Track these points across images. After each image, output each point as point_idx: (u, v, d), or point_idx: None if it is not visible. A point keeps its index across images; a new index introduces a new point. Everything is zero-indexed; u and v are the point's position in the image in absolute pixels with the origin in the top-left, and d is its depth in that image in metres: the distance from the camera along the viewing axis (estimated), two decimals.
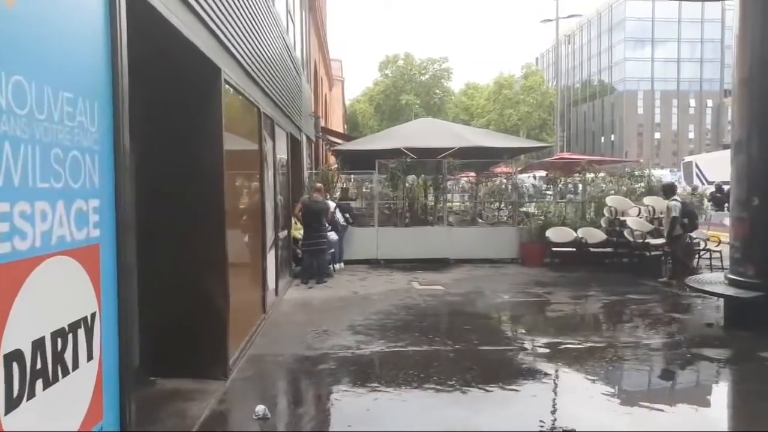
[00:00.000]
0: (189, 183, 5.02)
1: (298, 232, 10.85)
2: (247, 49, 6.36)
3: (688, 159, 28.61)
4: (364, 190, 13.77)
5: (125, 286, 2.85)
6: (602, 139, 78.72)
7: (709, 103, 74.47)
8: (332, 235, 11.35)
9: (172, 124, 5.04)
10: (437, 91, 73.32)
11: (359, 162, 14.13)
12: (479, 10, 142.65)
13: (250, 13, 6.40)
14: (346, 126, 57.88)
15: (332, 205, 11.46)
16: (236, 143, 6.21)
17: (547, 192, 13.61)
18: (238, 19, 5.84)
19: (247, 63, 6.42)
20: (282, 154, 9.87)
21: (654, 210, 11.82)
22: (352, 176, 15.10)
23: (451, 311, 8.39)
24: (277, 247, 8.71)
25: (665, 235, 9.99)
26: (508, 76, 70.14)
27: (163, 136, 5.01)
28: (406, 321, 7.58)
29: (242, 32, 6.04)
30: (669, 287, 9.71)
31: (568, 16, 33.97)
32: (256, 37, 6.81)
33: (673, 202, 9.74)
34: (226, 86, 5.37)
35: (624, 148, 70.81)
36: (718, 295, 7.34)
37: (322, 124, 20.36)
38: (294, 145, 11.99)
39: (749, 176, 7.03)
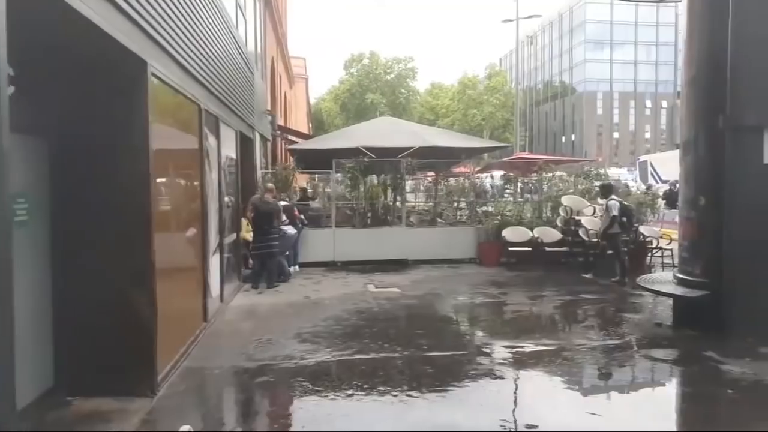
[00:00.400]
0: (112, 187, 4.67)
1: (248, 234, 10.51)
2: (183, 42, 6.01)
3: (644, 158, 29.18)
4: (323, 190, 13.43)
5: None
6: (563, 138, 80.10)
7: (664, 104, 76.61)
8: (290, 230, 11.07)
9: (92, 124, 4.68)
10: (402, 90, 73.28)
11: (318, 161, 13.80)
12: (444, 10, 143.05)
13: (185, 4, 6.05)
14: (311, 125, 57.31)
15: (287, 205, 11.15)
16: (171, 142, 5.88)
17: (506, 191, 13.56)
18: (170, 10, 5.48)
19: (184, 57, 6.07)
20: (230, 153, 9.52)
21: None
22: (316, 176, 14.77)
23: (405, 315, 8.21)
24: (222, 250, 8.36)
25: (600, 232, 10.17)
26: (472, 77, 70.65)
27: (82, 137, 4.66)
28: (357, 327, 7.35)
29: (176, 24, 5.69)
30: (623, 286, 9.77)
31: (528, 17, 34.29)
32: (194, 31, 6.45)
33: (612, 201, 9.90)
34: (155, 81, 5.03)
35: (584, 148, 72.20)
36: (667, 295, 7.34)
37: (281, 122, 19.97)
38: (245, 144, 11.62)
39: (696, 176, 7.04)
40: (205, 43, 7.02)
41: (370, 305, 8.53)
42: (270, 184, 10.11)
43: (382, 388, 5.08)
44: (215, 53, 7.74)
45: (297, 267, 11.73)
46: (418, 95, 76.44)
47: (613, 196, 10.30)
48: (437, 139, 13.60)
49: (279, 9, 18.73)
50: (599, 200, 12.28)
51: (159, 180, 5.21)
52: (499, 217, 12.47)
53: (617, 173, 33.91)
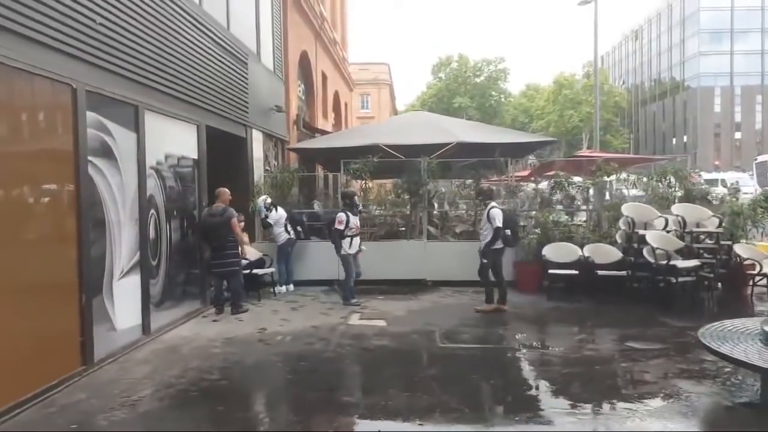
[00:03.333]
0: None
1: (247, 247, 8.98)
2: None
3: (763, 158, 24.52)
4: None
5: None
6: (674, 140, 72.48)
7: None
8: (285, 236, 9.65)
9: None
10: (493, 93, 70.27)
11: (332, 162, 11.99)
12: (538, 9, 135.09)
13: None
14: None
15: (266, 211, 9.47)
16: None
17: (554, 199, 10.92)
18: None
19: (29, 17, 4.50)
20: (180, 152, 7.91)
21: (684, 222, 8.99)
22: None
23: (355, 367, 6.14)
24: (147, 271, 6.71)
25: (483, 247, 8.13)
26: (569, 76, 65.92)
27: None
28: (263, 381, 5.43)
29: None
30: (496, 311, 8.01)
31: None
32: None
33: (494, 210, 8.00)
34: None
35: (698, 150, 64.77)
36: (749, 367, 4.62)
37: (323, 123, 18.43)
38: (229, 144, 10.07)
39: None
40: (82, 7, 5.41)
41: (328, 347, 6.52)
42: (223, 189, 8.35)
43: None
44: (123, 25, 6.15)
45: (291, 286, 9.98)
46: (510, 97, 72.94)
47: (494, 203, 8.26)
48: (470, 133, 11.28)
49: (317, 9, 17.21)
50: (673, 209, 9.40)
51: None
52: (538, 231, 9.91)
53: (735, 177, 29.24)
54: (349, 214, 8.67)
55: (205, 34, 8.52)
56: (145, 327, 6.69)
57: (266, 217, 9.55)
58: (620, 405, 4.70)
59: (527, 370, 5.82)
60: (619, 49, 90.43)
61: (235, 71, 9.85)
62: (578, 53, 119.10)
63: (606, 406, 4.75)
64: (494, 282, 8.26)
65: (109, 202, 6.00)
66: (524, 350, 6.42)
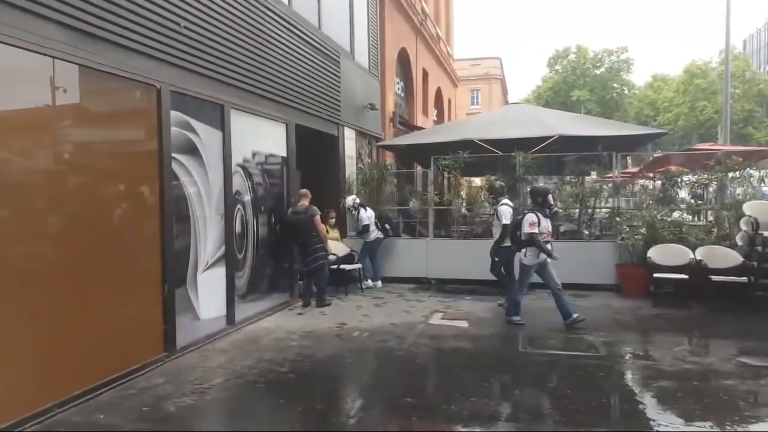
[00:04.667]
0: None
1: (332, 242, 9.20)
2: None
3: None
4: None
5: None
6: None
7: None
8: (375, 234, 9.65)
9: None
10: (615, 85, 66.09)
11: (427, 159, 11.82)
12: None
13: None
14: None
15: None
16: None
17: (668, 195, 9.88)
18: None
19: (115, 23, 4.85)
20: (268, 150, 8.16)
21: None
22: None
23: (424, 368, 5.93)
24: (233, 264, 6.98)
25: (492, 245, 8.00)
26: (702, 64, 60.26)
27: None
28: (329, 376, 5.37)
29: None
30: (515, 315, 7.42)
31: None
32: None
33: (503, 207, 7.82)
34: None
35: None
36: None
37: (424, 119, 18.31)
38: (321, 141, 10.26)
39: None
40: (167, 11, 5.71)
41: (405, 344, 6.39)
42: (303, 190, 8.50)
43: None
44: (209, 28, 6.43)
45: (379, 282, 10.00)
46: (634, 89, 68.20)
47: (506, 200, 7.98)
48: (574, 127, 10.56)
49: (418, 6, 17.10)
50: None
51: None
52: (643, 230, 9.03)
53: None
54: (539, 214, 7.10)
55: (295, 34, 8.71)
56: (230, 317, 6.96)
57: (358, 217, 9.61)
58: (740, 429, 4.09)
59: (618, 381, 5.28)
60: (762, 33, 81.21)
61: (326, 70, 10.00)
62: (713, 40, 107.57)
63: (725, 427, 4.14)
64: (512, 279, 7.95)
65: (194, 197, 6.29)
66: (618, 359, 5.85)
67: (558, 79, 66.11)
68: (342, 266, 9.39)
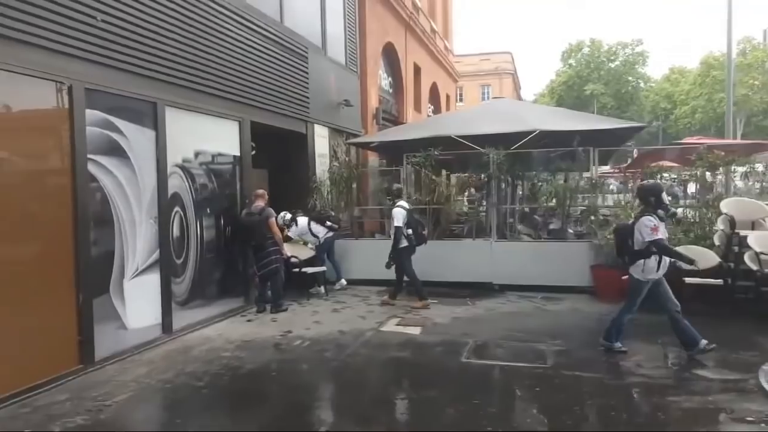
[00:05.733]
0: None
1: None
2: None
3: None
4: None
5: None
6: None
7: None
8: (320, 231, 9.17)
9: None
10: (630, 78, 64.77)
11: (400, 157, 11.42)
12: None
13: None
14: None
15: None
16: None
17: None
18: None
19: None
20: (219, 149, 7.84)
21: None
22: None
23: (350, 382, 5.54)
24: (169, 270, 6.68)
25: (391, 248, 8.27)
26: (720, 55, 58.65)
27: None
28: (239, 392, 5.02)
29: None
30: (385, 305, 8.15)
31: None
32: None
33: (396, 209, 8.10)
34: None
35: None
36: None
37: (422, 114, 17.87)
38: (288, 139, 9.94)
39: None
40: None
41: (336, 356, 6.01)
42: (260, 190, 8.17)
43: None
44: (132, 21, 6.11)
45: (343, 281, 9.65)
46: (650, 82, 66.80)
47: (402, 202, 8.24)
48: (553, 122, 10.05)
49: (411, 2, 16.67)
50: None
51: None
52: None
53: None
54: (654, 218, 5.61)
55: (248, 28, 8.36)
56: (166, 326, 6.66)
57: (288, 229, 9.17)
58: None
59: (551, 396, 4.83)
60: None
61: (290, 65, 9.66)
62: (732, 30, 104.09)
63: None
64: (400, 280, 8.38)
65: (120, 200, 5.99)
66: (563, 371, 5.40)
67: (572, 73, 65.02)
68: (304, 269, 9.06)
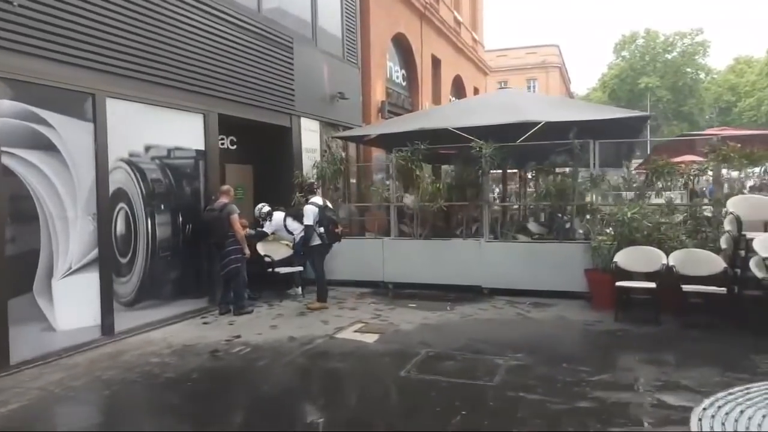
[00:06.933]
0: None
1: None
2: None
3: None
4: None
5: None
6: None
7: None
8: (295, 228, 8.59)
9: None
10: (688, 69, 61.35)
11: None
12: None
13: None
14: None
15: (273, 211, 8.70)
16: None
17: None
18: None
19: None
20: (176, 142, 7.50)
21: None
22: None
23: (264, 396, 5.01)
24: (111, 269, 6.38)
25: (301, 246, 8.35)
26: None
27: None
28: (136, 406, 4.60)
29: None
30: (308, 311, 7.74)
31: None
32: None
33: (308, 206, 8.00)
34: None
35: None
36: None
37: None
38: (273, 134, 9.55)
39: None
40: None
41: (267, 367, 5.53)
42: (225, 186, 7.79)
43: None
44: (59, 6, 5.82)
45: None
46: (711, 74, 63.13)
47: (314, 199, 8.15)
48: (555, 113, 9.23)
49: None
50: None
51: None
52: (609, 229, 7.66)
53: None
54: None
55: (215, 17, 8.00)
56: (107, 327, 6.35)
57: (262, 226, 8.70)
58: None
59: (477, 420, 4.17)
60: None
61: (270, 56, 9.25)
62: None
63: None
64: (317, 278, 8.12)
65: (46, 196, 5.71)
66: (506, 391, 4.70)
67: (625, 66, 62.29)
68: (278, 270, 8.63)
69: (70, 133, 5.97)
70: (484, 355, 5.74)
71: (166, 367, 5.51)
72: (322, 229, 7.91)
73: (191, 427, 4.33)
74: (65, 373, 5.33)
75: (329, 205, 8.31)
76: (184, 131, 7.62)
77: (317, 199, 8.19)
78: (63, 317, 5.87)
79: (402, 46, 15.58)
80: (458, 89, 20.73)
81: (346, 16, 12.02)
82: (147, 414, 4.67)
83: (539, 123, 8.52)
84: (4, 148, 5.29)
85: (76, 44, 5.94)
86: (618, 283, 6.97)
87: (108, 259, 6.36)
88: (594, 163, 8.53)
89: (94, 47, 6.16)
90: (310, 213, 7.89)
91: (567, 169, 10.36)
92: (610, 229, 7.73)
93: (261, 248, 8.70)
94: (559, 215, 10.26)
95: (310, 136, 10.53)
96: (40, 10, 5.56)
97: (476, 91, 22.58)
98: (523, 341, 6.19)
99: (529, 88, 51.25)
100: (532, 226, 11.03)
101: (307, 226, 7.90)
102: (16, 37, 5.36)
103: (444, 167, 13.17)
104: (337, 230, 8.12)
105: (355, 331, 6.77)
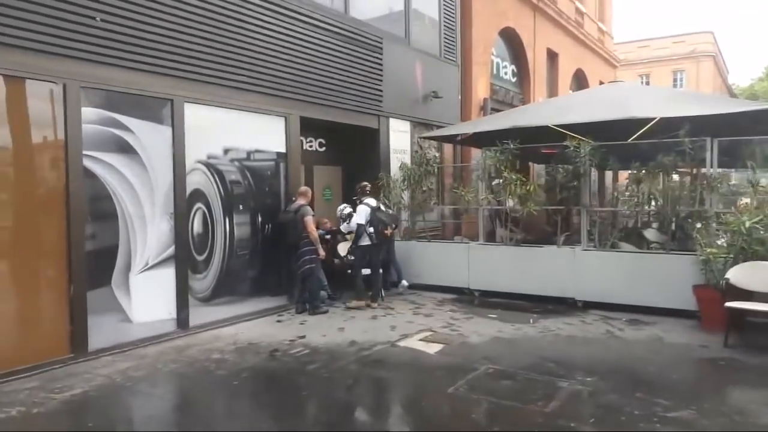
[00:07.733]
0: None
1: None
2: None
3: None
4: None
5: None
6: None
7: None
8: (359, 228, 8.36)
9: None
10: None
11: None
12: None
13: None
14: None
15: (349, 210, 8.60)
16: None
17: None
18: None
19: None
20: (256, 145, 7.69)
21: None
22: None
23: (299, 403, 4.86)
24: (187, 266, 6.69)
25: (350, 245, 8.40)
26: None
27: None
28: (180, 402, 4.66)
29: None
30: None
31: None
32: None
33: (360, 206, 8.16)
34: None
35: None
36: None
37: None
38: (361, 135, 9.53)
39: None
40: None
41: (316, 371, 5.41)
42: (303, 188, 7.87)
43: None
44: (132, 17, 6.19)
45: (405, 283, 8.99)
46: None
47: (368, 201, 8.24)
48: (676, 107, 8.15)
49: None
50: None
51: None
52: (722, 241, 6.54)
53: None
54: None
55: (298, 20, 8.10)
56: (182, 321, 6.67)
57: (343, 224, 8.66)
58: None
59: None
60: None
61: (358, 57, 9.21)
62: None
63: None
64: (368, 278, 8.19)
65: (126, 196, 6.10)
66: (550, 422, 4.16)
67: None
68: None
69: (149, 137, 6.34)
70: (550, 376, 5.14)
71: (223, 364, 5.63)
72: (372, 229, 8.05)
73: (190, 427, 4.33)
74: (133, 362, 5.64)
75: (383, 207, 8.43)
76: (264, 134, 7.80)
77: (370, 201, 8.33)
78: (139, 310, 6.24)
79: (511, 40, 14.85)
80: (581, 83, 19.38)
81: (445, 13, 11.67)
82: (169, 411, 4.76)
83: (653, 119, 7.53)
84: (86, 152, 5.73)
85: (155, 53, 6.29)
86: (728, 304, 5.93)
87: (184, 256, 6.67)
88: (712, 163, 7.40)
89: (173, 56, 6.48)
90: (362, 213, 8.10)
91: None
92: (723, 240, 6.61)
93: (342, 249, 8.69)
94: (689, 220, 9.04)
95: (399, 137, 10.36)
96: (120, 23, 5.95)
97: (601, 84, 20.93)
98: (601, 364, 5.48)
99: (674, 81, 46.89)
100: (650, 233, 9.89)
101: (358, 225, 8.08)
102: (99, 50, 5.78)
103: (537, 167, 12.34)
104: (386, 231, 8.22)
105: (420, 340, 6.46)
